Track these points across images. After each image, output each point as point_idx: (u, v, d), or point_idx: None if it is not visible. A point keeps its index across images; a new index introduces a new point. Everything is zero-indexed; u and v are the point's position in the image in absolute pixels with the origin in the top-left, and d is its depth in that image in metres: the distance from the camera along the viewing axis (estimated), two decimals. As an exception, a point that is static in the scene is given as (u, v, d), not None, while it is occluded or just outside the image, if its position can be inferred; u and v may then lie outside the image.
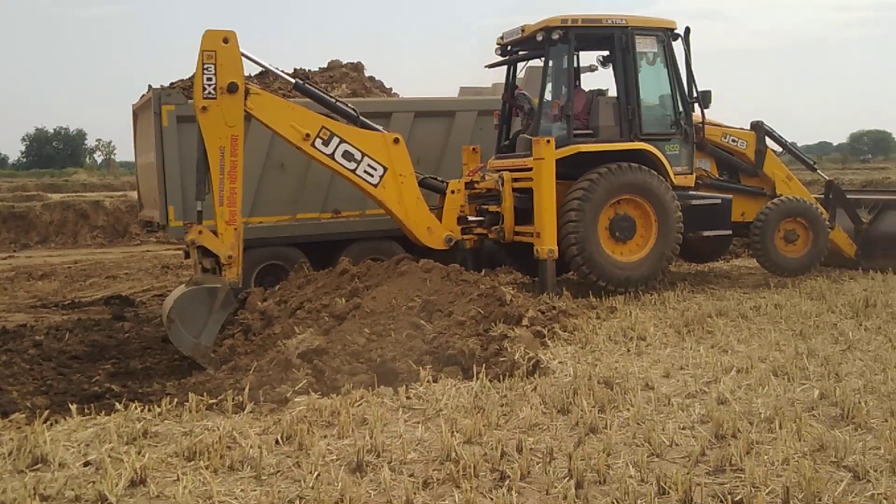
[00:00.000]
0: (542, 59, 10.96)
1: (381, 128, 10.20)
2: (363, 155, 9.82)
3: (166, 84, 11.25)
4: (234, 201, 8.92)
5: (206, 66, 8.84)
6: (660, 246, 10.76)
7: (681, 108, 11.17)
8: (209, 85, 8.84)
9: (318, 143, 9.59)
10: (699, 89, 11.24)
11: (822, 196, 12.86)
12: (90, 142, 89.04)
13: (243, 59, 9.06)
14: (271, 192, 11.25)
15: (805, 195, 12.39)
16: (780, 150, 12.81)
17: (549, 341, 8.01)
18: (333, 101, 10.08)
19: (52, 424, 5.89)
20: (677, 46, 11.15)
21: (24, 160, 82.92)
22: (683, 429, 5.59)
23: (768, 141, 12.32)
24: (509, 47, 11.60)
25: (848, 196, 13.23)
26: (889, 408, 5.86)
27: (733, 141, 12.13)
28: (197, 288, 8.57)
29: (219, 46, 8.90)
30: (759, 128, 12.27)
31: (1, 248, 22.39)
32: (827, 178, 13.46)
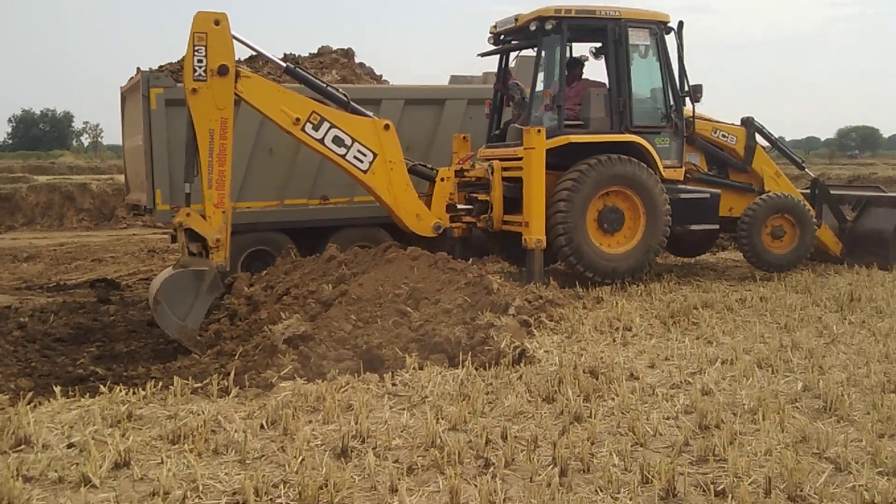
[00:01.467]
0: (535, 48, 10.95)
1: (371, 114, 10.17)
2: (353, 141, 9.79)
3: (155, 67, 11.17)
4: (223, 184, 8.88)
5: (196, 48, 8.78)
6: (647, 238, 10.79)
7: (672, 102, 11.19)
8: (199, 67, 8.78)
9: (309, 127, 9.55)
10: (690, 83, 11.26)
11: (808, 192, 12.91)
12: (77, 124, 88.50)
13: (234, 42, 9.01)
14: (259, 177, 11.21)
15: (793, 192, 12.45)
16: (769, 146, 12.84)
17: (535, 330, 8.04)
18: (324, 86, 10.04)
19: (35, 406, 5.87)
20: (670, 40, 11.16)
21: (10, 142, 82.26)
22: (667, 419, 5.62)
23: (758, 137, 12.36)
24: (502, 36, 11.58)
25: (832, 192, 13.29)
26: (871, 401, 5.91)
27: (723, 136, 12.18)
28: (184, 271, 8.54)
29: (210, 28, 8.83)
30: (749, 124, 12.32)
31: (-14, 229, 22.26)
32: (813, 175, 13.52)
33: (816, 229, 12.18)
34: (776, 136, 12.79)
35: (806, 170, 13.56)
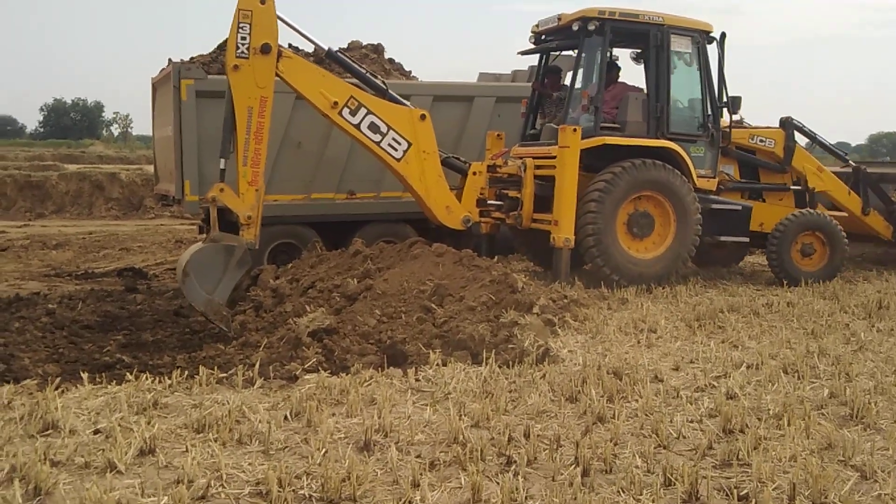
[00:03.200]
0: (576, 49, 10.91)
1: (408, 103, 10.17)
2: (389, 128, 9.81)
3: (186, 58, 11.25)
4: (258, 162, 8.91)
5: (241, 25, 8.82)
6: (676, 246, 10.73)
7: (709, 112, 11.11)
8: (243, 44, 8.83)
9: (346, 112, 9.58)
10: (729, 94, 11.19)
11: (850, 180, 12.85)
12: (108, 114, 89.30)
13: (278, 23, 9.04)
14: (287, 171, 11.26)
15: (837, 186, 12.39)
16: (809, 143, 12.74)
17: (559, 330, 8.02)
18: (364, 71, 10.06)
19: (63, 392, 5.93)
20: (711, 50, 11.08)
21: (42, 130, 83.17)
22: (691, 422, 5.59)
23: (797, 136, 12.26)
24: (543, 36, 11.54)
25: (871, 171, 13.15)
26: (899, 409, 5.85)
27: (761, 141, 12.10)
28: (214, 245, 8.60)
29: (255, 6, 8.87)
30: (787, 124, 12.22)
31: (16, 216, 22.50)
32: (853, 164, 13.31)
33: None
34: (816, 133, 12.69)
35: (850, 162, 13.36)
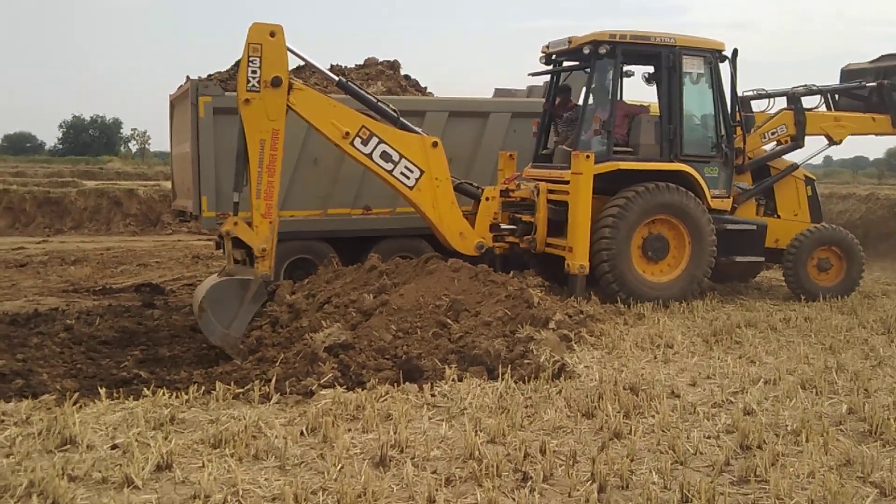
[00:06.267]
0: (587, 71, 10.91)
1: (420, 130, 10.20)
2: (401, 157, 9.81)
3: (204, 76, 11.34)
4: (272, 195, 8.97)
5: (251, 59, 8.88)
6: (691, 268, 10.69)
7: (723, 132, 11.06)
8: (253, 77, 8.89)
9: (358, 142, 9.60)
10: (743, 113, 11.14)
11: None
12: (126, 130, 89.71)
13: (288, 54, 9.10)
14: (303, 187, 11.31)
15: (860, 120, 12.26)
16: (821, 100, 12.57)
17: (575, 345, 8.00)
18: (375, 101, 10.08)
19: (81, 407, 5.96)
20: (724, 68, 11.03)
21: (61, 146, 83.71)
22: (708, 438, 5.57)
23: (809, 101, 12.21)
24: (554, 56, 11.55)
25: (886, 65, 12.73)
26: (918, 426, 5.80)
27: (773, 133, 12.01)
28: (230, 279, 8.63)
29: (265, 40, 8.93)
30: (794, 99, 12.11)
31: (35, 232, 22.66)
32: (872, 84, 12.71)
33: (864, 264, 11.97)
34: (821, 85, 12.52)
35: (862, 83, 12.72)
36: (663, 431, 5.64)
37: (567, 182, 10.37)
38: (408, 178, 9.91)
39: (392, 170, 9.81)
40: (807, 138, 12.14)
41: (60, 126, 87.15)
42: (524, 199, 11.03)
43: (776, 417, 5.98)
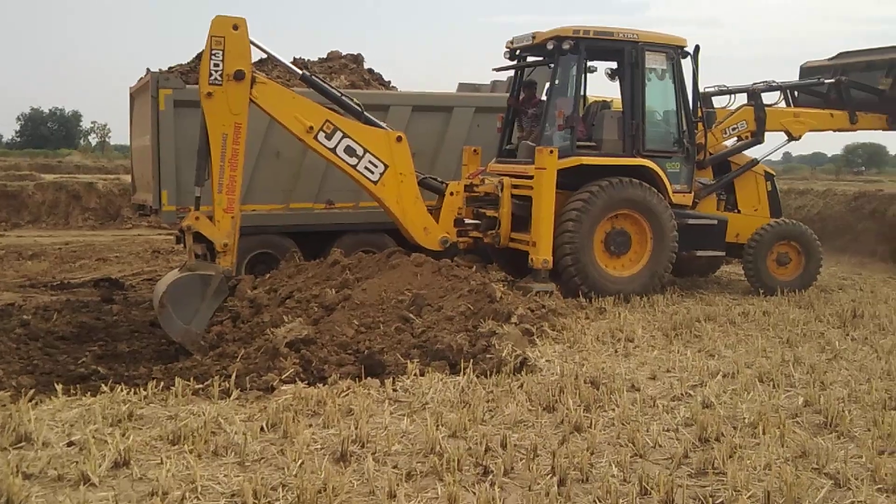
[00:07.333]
0: (551, 67, 10.95)
1: (384, 125, 10.17)
2: (365, 151, 9.77)
3: (165, 68, 11.20)
4: (234, 189, 8.90)
5: (213, 52, 8.79)
6: (653, 263, 10.78)
7: (684, 127, 11.16)
8: (216, 71, 8.80)
9: (321, 136, 9.54)
10: (704, 109, 11.25)
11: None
12: (85, 123, 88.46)
13: (251, 47, 9.02)
14: (265, 181, 11.23)
15: (818, 116, 12.53)
16: (780, 95, 12.78)
17: (537, 339, 8.04)
18: (339, 94, 10.03)
19: (37, 404, 5.88)
20: (686, 64, 11.13)
21: (18, 139, 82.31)
22: (667, 431, 5.62)
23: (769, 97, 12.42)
24: (518, 52, 11.57)
25: (855, 60, 13.08)
26: (872, 417, 5.91)
27: (733, 129, 12.16)
28: (191, 274, 8.55)
29: (228, 33, 8.85)
30: (754, 95, 12.29)
31: (-8, 226, 22.28)
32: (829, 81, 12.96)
33: (822, 259, 12.15)
34: (780, 82, 12.76)
35: (821, 80, 13.05)
36: (623, 425, 5.68)
37: (531, 177, 10.41)
38: (372, 172, 9.88)
39: (356, 164, 9.77)
40: (767, 134, 12.30)
41: (18, 119, 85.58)
42: (488, 194, 11.04)
43: (734, 410, 6.06)
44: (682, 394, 6.50)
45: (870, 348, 8.26)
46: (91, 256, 16.45)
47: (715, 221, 11.61)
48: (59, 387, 6.25)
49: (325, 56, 13.38)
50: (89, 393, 6.21)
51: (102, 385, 6.39)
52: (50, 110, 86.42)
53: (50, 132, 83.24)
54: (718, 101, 12.67)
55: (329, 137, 9.58)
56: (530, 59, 11.70)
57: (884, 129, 13.01)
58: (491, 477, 4.71)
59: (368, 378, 6.69)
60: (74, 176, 27.95)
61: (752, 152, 12.46)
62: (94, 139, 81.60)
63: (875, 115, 12.84)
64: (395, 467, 4.84)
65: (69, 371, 7.22)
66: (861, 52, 13.40)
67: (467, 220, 11.05)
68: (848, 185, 21.62)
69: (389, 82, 13.54)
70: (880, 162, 70.39)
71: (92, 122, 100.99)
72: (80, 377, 6.99)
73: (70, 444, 5.11)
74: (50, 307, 10.11)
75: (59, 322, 9.20)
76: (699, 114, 11.29)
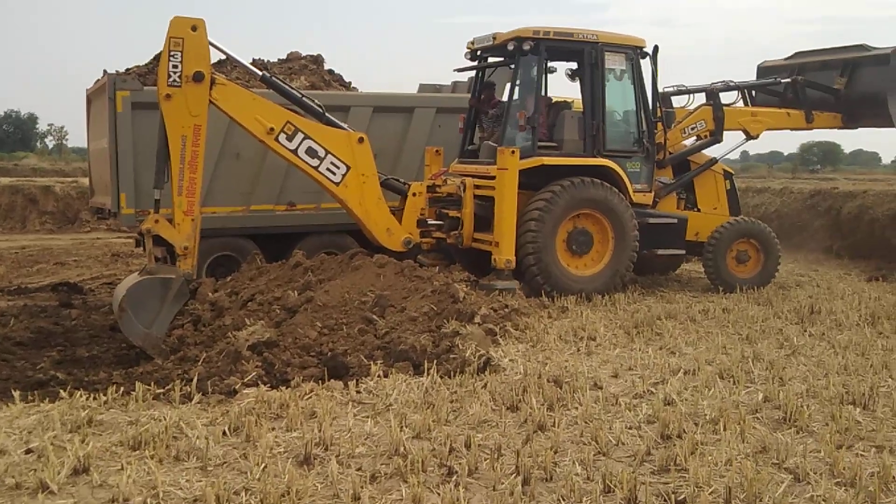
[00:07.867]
0: (512, 67, 10.98)
1: (346, 126, 10.13)
2: (327, 152, 9.73)
3: (122, 69, 11.07)
4: (194, 191, 8.81)
5: (172, 53, 8.70)
6: (614, 262, 10.86)
7: (644, 127, 11.25)
8: (174, 72, 8.70)
9: (282, 137, 9.48)
10: (664, 109, 11.36)
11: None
12: (42, 126, 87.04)
13: (210, 47, 8.94)
14: (226, 182, 11.12)
15: (775, 115, 12.73)
16: (738, 96, 12.97)
17: (500, 339, 8.06)
18: (300, 96, 9.97)
19: (-7, 411, 5.78)
20: (645, 65, 11.21)
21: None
22: (630, 428, 5.66)
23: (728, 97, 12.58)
24: (479, 52, 11.60)
25: (811, 60, 13.32)
26: (830, 412, 6.00)
27: (692, 128, 12.29)
28: (151, 278, 8.46)
29: (187, 34, 8.76)
30: (713, 95, 12.44)
31: (-54, 231, 21.87)
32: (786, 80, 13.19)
33: (780, 256, 12.32)
34: (738, 81, 12.94)
35: (778, 80, 13.29)
36: (586, 423, 5.72)
37: (493, 177, 10.44)
38: (334, 174, 9.84)
39: (318, 166, 9.73)
40: (725, 133, 12.46)
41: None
42: (451, 195, 11.04)
43: (695, 407, 6.12)
44: (644, 391, 6.56)
45: (827, 344, 8.39)
46: (49, 260, 16.20)
47: (675, 220, 11.73)
48: (16, 393, 6.16)
49: (284, 57, 13.30)
50: (48, 399, 6.13)
51: (61, 391, 6.30)
52: (5, 112, 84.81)
53: (5, 135, 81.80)
54: (677, 101, 12.83)
55: (290, 139, 9.52)
56: (491, 59, 11.73)
57: (839, 128, 13.24)
58: (455, 477, 4.72)
59: (332, 380, 6.66)
60: (31, 179, 27.47)
61: (711, 151, 12.59)
62: (50, 142, 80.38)
63: (830, 114, 13.04)
64: (359, 469, 4.83)
65: (27, 377, 7.11)
66: (817, 51, 13.62)
67: (430, 221, 11.04)
68: (804, 183, 21.90)
69: (350, 83, 13.49)
70: (835, 160, 71.56)
71: (48, 125, 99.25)
72: (38, 383, 6.89)
73: (28, 451, 5.03)
74: (7, 312, 9.96)
75: (16, 327, 9.07)
76: (658, 113, 11.39)
